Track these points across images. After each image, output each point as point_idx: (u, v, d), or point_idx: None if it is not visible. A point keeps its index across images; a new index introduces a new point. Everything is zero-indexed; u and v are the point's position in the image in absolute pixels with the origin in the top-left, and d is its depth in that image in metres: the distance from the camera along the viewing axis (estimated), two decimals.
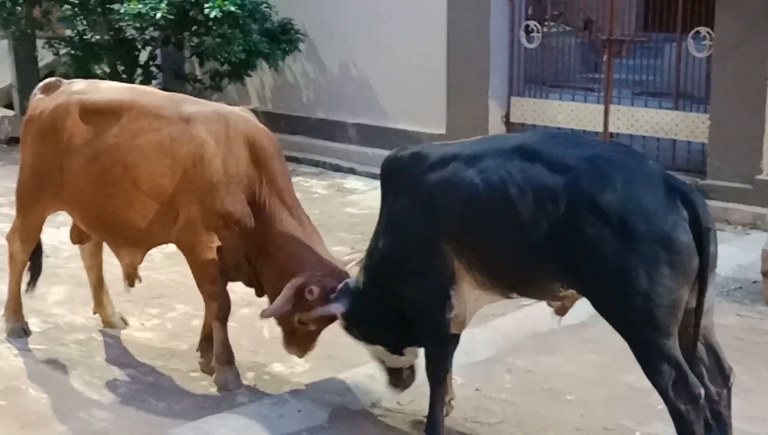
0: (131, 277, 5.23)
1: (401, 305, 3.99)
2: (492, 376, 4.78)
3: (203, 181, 4.49)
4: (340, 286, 4.21)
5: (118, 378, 4.71)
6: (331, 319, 4.30)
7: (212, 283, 4.59)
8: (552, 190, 3.47)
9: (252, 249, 4.53)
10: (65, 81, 5.11)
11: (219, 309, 4.61)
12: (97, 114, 4.77)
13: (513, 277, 3.72)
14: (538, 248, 3.51)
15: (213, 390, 4.62)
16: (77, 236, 5.30)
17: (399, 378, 4.28)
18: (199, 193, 4.50)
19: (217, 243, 4.53)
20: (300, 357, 4.56)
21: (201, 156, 4.50)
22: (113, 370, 4.80)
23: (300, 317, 4.31)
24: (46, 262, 5.59)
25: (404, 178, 3.91)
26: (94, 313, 5.40)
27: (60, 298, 5.74)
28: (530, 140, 3.76)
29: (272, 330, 5.18)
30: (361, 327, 4.17)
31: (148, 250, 4.98)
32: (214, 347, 4.71)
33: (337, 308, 4.14)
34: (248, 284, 4.70)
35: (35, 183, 5.01)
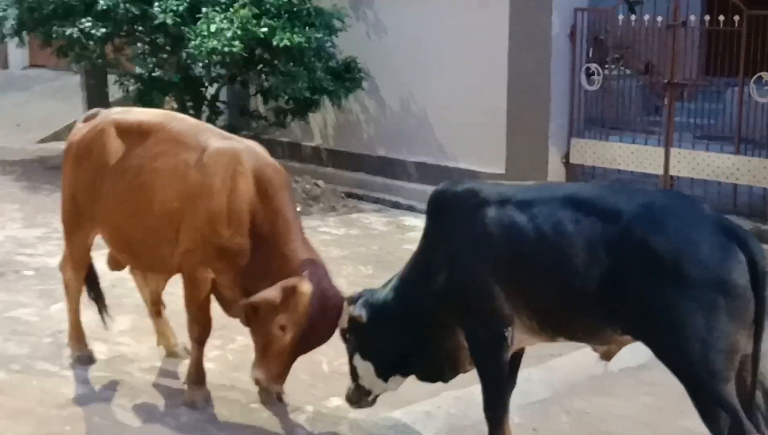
0: (156, 304, 5.39)
1: (426, 333, 4.02)
2: (549, 417, 4.78)
3: (206, 212, 4.59)
4: (359, 292, 4.26)
5: (180, 407, 4.80)
6: (312, 337, 4.34)
7: (199, 308, 4.74)
8: (605, 238, 3.50)
9: (252, 283, 4.53)
10: (104, 111, 5.29)
11: (199, 333, 4.79)
12: (128, 134, 4.95)
13: (562, 323, 3.75)
14: (591, 296, 3.53)
15: (272, 422, 4.69)
16: (114, 263, 5.44)
17: (362, 399, 4.34)
18: (200, 224, 4.60)
19: (211, 273, 4.64)
20: (264, 383, 4.51)
21: (208, 187, 4.60)
22: (176, 399, 4.90)
23: (283, 319, 4.31)
24: (112, 292, 5.74)
25: (455, 213, 3.93)
26: (158, 344, 5.53)
27: (125, 328, 5.88)
28: (584, 189, 3.83)
29: (331, 364, 5.26)
30: (363, 340, 4.20)
31: (169, 276, 5.15)
32: (189, 366, 4.89)
33: (361, 312, 4.15)
34: (246, 323, 4.72)
35: (75, 208, 5.18)
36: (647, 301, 3.42)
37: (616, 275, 3.48)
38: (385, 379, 4.23)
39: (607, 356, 3.91)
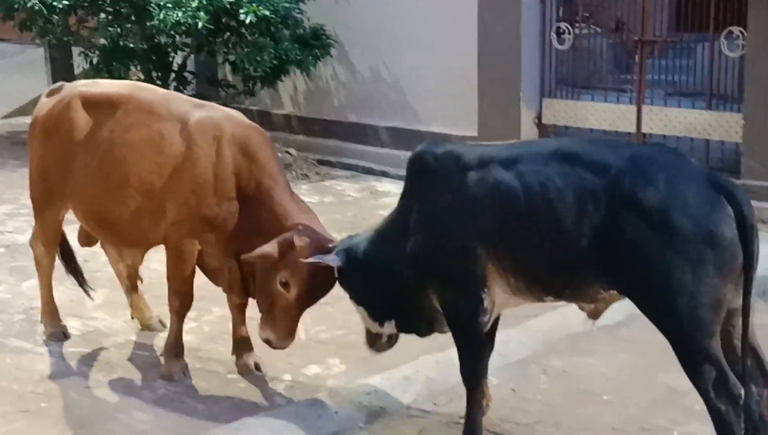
0: (133, 279, 5.33)
1: (401, 290, 4.01)
2: (528, 377, 4.79)
3: (190, 182, 4.54)
4: (340, 241, 4.24)
5: (157, 380, 4.77)
6: (315, 290, 4.29)
7: (182, 282, 4.70)
8: (593, 192, 3.46)
9: (246, 244, 4.47)
10: (69, 84, 5.20)
11: (180, 305, 4.76)
12: (96, 107, 4.86)
13: (550, 281, 3.71)
14: (580, 251, 3.50)
15: (250, 392, 4.67)
16: (84, 239, 5.38)
17: (375, 342, 4.33)
18: (186, 194, 4.56)
19: (197, 246, 4.60)
20: (275, 343, 4.43)
21: (189, 157, 4.55)
22: (153, 373, 4.86)
23: (283, 276, 4.28)
24: (85, 267, 5.66)
25: (436, 176, 3.87)
26: (132, 317, 5.48)
27: (99, 302, 5.82)
28: (568, 144, 3.78)
29: (308, 332, 5.24)
30: (350, 286, 4.20)
31: (146, 250, 5.11)
32: (167, 337, 4.86)
33: (334, 260, 4.13)
34: (228, 289, 4.74)
35: (45, 184, 5.10)
36: (635, 254, 3.40)
37: (604, 229, 3.45)
38: (381, 324, 4.20)
39: (594, 315, 3.89)
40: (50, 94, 5.15)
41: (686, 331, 3.37)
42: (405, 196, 4.03)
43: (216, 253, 4.65)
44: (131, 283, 5.39)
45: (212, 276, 4.84)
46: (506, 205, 3.66)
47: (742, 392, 3.39)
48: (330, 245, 4.28)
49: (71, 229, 5.46)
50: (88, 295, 5.51)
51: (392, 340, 4.33)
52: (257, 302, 4.56)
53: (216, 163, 4.53)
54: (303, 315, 4.46)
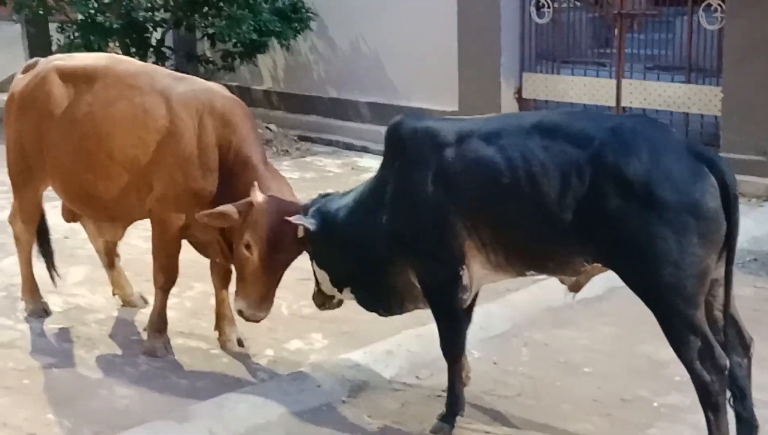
0: (110, 254, 5.32)
1: (374, 265, 3.98)
2: (509, 350, 4.82)
3: (176, 156, 4.53)
4: (312, 199, 4.19)
5: (140, 356, 4.77)
6: (278, 251, 4.22)
7: (169, 255, 4.71)
8: (576, 164, 3.45)
9: None
10: (44, 59, 5.15)
11: (165, 281, 4.76)
12: (73, 80, 4.83)
13: (532, 255, 3.70)
14: (563, 224, 3.49)
15: (233, 367, 4.67)
16: (69, 214, 5.35)
17: (327, 302, 4.34)
18: (171, 169, 4.54)
19: (183, 220, 4.58)
20: (246, 312, 4.32)
21: (173, 131, 4.53)
22: (134, 349, 4.86)
23: (246, 237, 4.22)
24: (65, 244, 5.65)
25: (414, 151, 3.83)
26: (113, 294, 5.46)
27: (80, 279, 5.80)
28: (549, 117, 3.75)
29: (290, 307, 5.24)
30: (318, 249, 4.16)
31: (128, 225, 5.09)
32: (151, 313, 4.86)
33: (311, 223, 4.06)
34: (221, 258, 4.70)
35: (23, 161, 5.06)
36: (619, 225, 3.39)
37: (588, 201, 3.44)
38: (341, 290, 4.19)
39: (575, 288, 3.88)
40: (25, 70, 5.11)
41: (671, 302, 3.37)
42: (383, 168, 4.00)
43: (202, 225, 4.61)
44: (109, 259, 5.37)
45: (202, 249, 4.82)
46: (487, 180, 3.63)
47: (727, 362, 3.41)
48: (301, 204, 4.24)
49: (51, 207, 5.43)
50: (53, 279, 5.43)
51: (341, 304, 4.35)
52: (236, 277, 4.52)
53: (199, 136, 4.52)
54: (283, 291, 4.45)
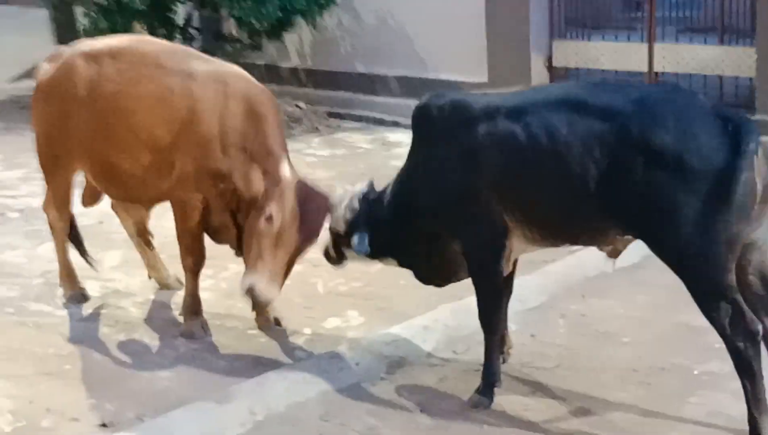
0: (143, 235, 5.34)
1: (426, 243, 4.03)
2: (546, 321, 4.80)
3: (198, 137, 4.52)
4: (343, 200, 4.20)
5: (178, 338, 4.80)
6: (299, 229, 4.27)
7: (193, 238, 4.71)
8: (602, 138, 3.44)
9: (242, 201, 4.51)
10: (67, 47, 5.17)
11: (194, 263, 4.76)
12: (97, 61, 4.83)
13: (565, 229, 3.72)
14: (593, 199, 3.49)
15: (271, 347, 4.69)
16: (88, 199, 5.38)
17: (341, 263, 4.39)
18: (193, 149, 4.54)
19: (203, 201, 4.59)
20: (258, 288, 4.28)
21: (198, 112, 4.53)
22: (172, 331, 4.88)
23: (269, 209, 4.23)
24: (100, 228, 5.69)
25: (443, 128, 3.86)
26: (149, 277, 5.50)
27: (116, 263, 5.84)
28: (574, 90, 3.73)
29: (326, 285, 5.25)
30: (380, 257, 4.21)
31: (152, 205, 5.10)
32: (184, 297, 4.87)
33: (365, 248, 4.11)
34: (233, 246, 4.73)
35: (51, 148, 5.09)
36: (648, 196, 3.39)
37: (617, 174, 3.43)
38: (376, 258, 4.25)
39: (614, 254, 3.88)
40: (50, 59, 5.12)
41: (700, 268, 3.36)
42: (413, 152, 4.04)
43: (219, 208, 4.63)
44: (143, 239, 5.40)
45: (214, 233, 4.80)
46: (514, 157, 3.64)
47: (760, 328, 3.39)
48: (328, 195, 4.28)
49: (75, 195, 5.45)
50: (90, 264, 5.48)
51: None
52: (244, 254, 4.50)
53: (222, 118, 4.51)
54: (319, 269, 4.46)
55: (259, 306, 4.65)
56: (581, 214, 3.58)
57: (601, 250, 3.92)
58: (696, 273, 3.39)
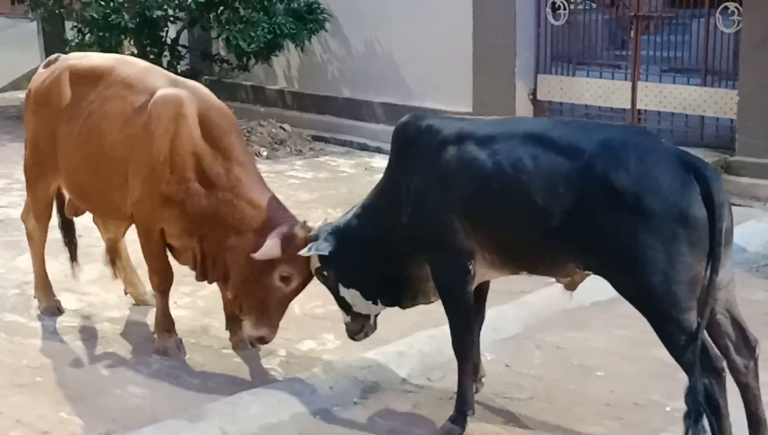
0: (112, 252, 5.33)
1: (395, 265, 4.03)
2: (522, 352, 4.80)
3: (149, 158, 4.51)
4: (320, 225, 4.22)
5: (152, 355, 4.77)
6: (309, 275, 4.27)
7: (155, 258, 4.70)
8: (565, 175, 3.50)
9: (205, 227, 4.49)
10: (63, 56, 5.19)
11: (159, 282, 4.76)
12: (82, 79, 4.87)
13: (524, 258, 3.78)
14: (553, 232, 3.54)
15: (245, 367, 4.67)
16: (72, 209, 5.36)
17: (364, 325, 4.29)
18: (144, 171, 4.54)
19: (162, 221, 4.58)
20: (268, 338, 4.39)
21: (152, 132, 4.52)
22: (147, 347, 4.86)
23: (286, 270, 4.25)
24: (78, 242, 5.64)
25: (417, 148, 3.92)
26: (126, 293, 5.47)
27: (93, 277, 5.81)
28: (543, 126, 3.80)
29: (303, 307, 5.24)
30: (341, 270, 4.15)
31: (126, 222, 5.05)
32: (155, 316, 4.86)
33: (325, 247, 4.09)
34: (194, 268, 4.70)
35: (37, 157, 5.10)
36: (608, 236, 3.44)
37: (578, 211, 3.49)
38: (375, 302, 4.20)
39: (571, 286, 3.93)
40: (46, 65, 5.17)
41: (662, 309, 3.41)
42: (390, 168, 4.07)
43: (176, 232, 4.61)
44: (111, 256, 5.38)
45: (177, 255, 4.77)
46: (477, 183, 3.70)
47: (724, 365, 3.44)
48: (309, 233, 4.25)
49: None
50: (73, 270, 5.47)
51: (376, 321, 4.33)
52: (236, 299, 4.52)
53: (173, 140, 4.48)
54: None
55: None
56: (540, 246, 3.63)
57: (558, 281, 3.96)
58: (658, 313, 3.44)
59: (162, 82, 4.70)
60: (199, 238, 4.55)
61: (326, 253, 4.10)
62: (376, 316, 4.29)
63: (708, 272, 3.37)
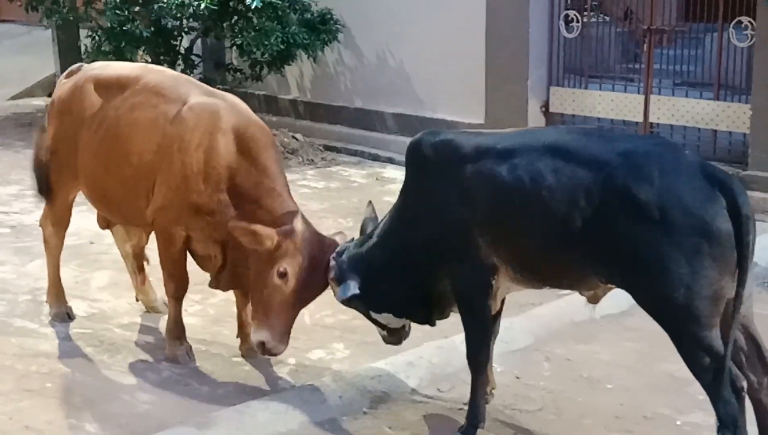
0: (138, 259, 5.33)
1: (421, 284, 4.01)
2: (531, 364, 4.79)
3: (182, 168, 4.50)
4: (335, 262, 4.16)
5: (162, 362, 4.78)
6: (310, 284, 4.23)
7: (174, 265, 4.69)
8: (587, 188, 3.46)
9: (233, 240, 4.43)
10: (86, 66, 5.21)
11: (175, 289, 4.76)
12: (106, 88, 4.88)
13: (547, 272, 3.73)
14: (575, 245, 3.51)
15: (254, 375, 4.67)
16: (104, 220, 5.38)
17: (400, 334, 4.31)
18: (176, 180, 4.52)
19: (184, 230, 4.58)
20: (270, 344, 4.26)
21: (186, 142, 4.51)
22: (157, 354, 4.87)
23: (282, 264, 4.20)
24: (90, 248, 5.70)
25: (434, 165, 3.88)
26: (137, 299, 5.49)
27: (104, 284, 5.83)
28: (564, 137, 3.73)
29: (313, 317, 5.24)
30: (369, 299, 4.12)
31: (149, 229, 5.05)
32: (167, 322, 4.86)
33: (355, 287, 4.06)
34: (215, 274, 4.70)
35: (57, 165, 5.11)
36: (631, 249, 3.39)
37: (600, 224, 3.44)
38: (408, 317, 4.22)
39: (594, 299, 3.90)
40: (68, 75, 5.18)
41: (684, 324, 3.36)
42: (406, 188, 4.05)
43: (202, 239, 4.61)
44: (137, 263, 5.39)
45: (200, 262, 4.78)
46: (499, 199, 3.67)
47: (745, 384, 3.40)
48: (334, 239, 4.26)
49: (76, 211, 5.45)
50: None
51: (410, 326, 4.33)
52: (251, 304, 4.50)
53: (208, 153, 4.47)
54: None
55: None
56: (563, 259, 3.60)
57: (582, 295, 3.94)
58: (679, 328, 3.39)
59: (196, 94, 4.69)
60: (222, 245, 4.56)
61: (357, 291, 4.08)
62: (408, 324, 4.30)
63: (735, 286, 3.32)
